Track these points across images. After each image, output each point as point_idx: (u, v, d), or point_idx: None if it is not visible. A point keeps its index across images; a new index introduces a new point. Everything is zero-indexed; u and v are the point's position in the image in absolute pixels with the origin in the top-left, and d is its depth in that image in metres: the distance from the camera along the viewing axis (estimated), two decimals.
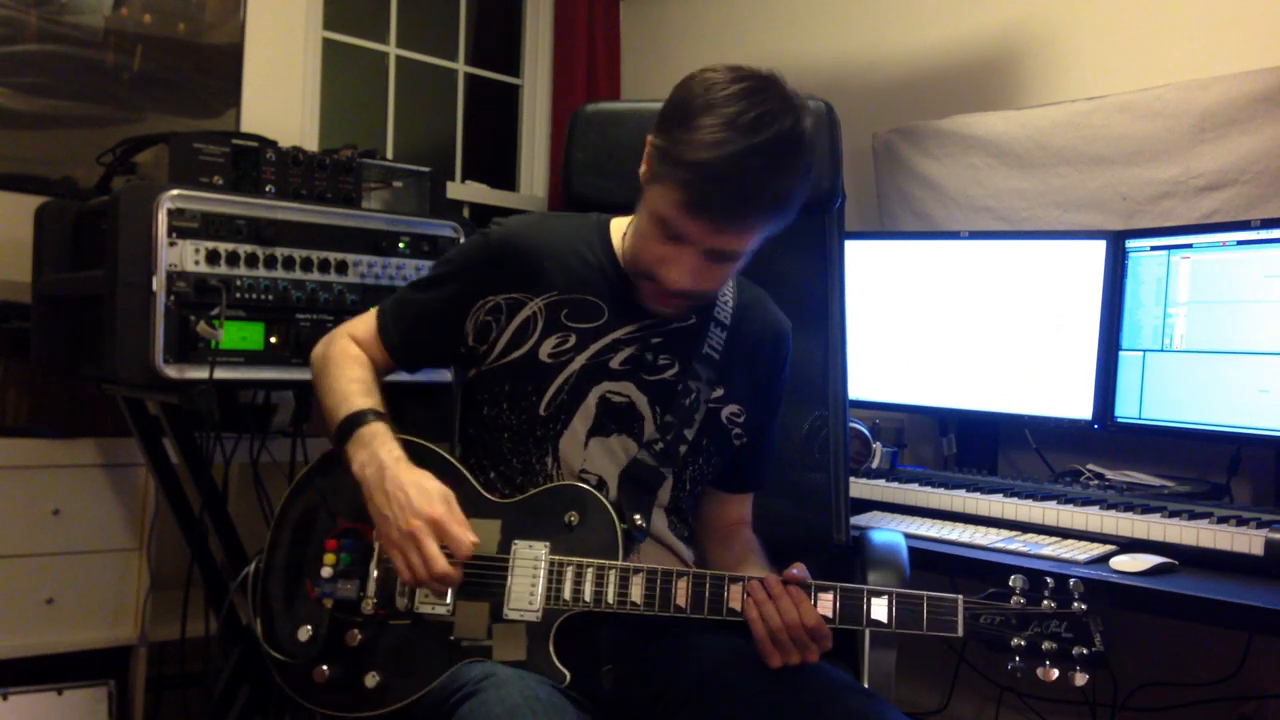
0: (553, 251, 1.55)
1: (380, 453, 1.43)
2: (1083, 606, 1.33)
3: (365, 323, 1.63)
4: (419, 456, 1.48)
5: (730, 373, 1.58)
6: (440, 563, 1.37)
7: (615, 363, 1.52)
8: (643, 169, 1.45)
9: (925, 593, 1.36)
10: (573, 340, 1.52)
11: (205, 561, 2.16)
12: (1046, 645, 1.32)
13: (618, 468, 1.52)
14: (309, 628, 1.46)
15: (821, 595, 1.37)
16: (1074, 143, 2.45)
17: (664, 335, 1.55)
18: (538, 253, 1.55)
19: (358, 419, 1.48)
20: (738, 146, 1.33)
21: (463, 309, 1.55)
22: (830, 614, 1.37)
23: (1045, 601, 1.34)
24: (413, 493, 1.39)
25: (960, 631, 1.34)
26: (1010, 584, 1.35)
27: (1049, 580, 1.36)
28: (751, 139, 1.33)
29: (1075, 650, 1.31)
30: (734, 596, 1.38)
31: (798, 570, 1.39)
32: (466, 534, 1.39)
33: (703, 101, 1.36)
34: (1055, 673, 1.31)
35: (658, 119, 1.43)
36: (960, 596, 1.35)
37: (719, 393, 1.57)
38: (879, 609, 1.36)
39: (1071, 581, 1.35)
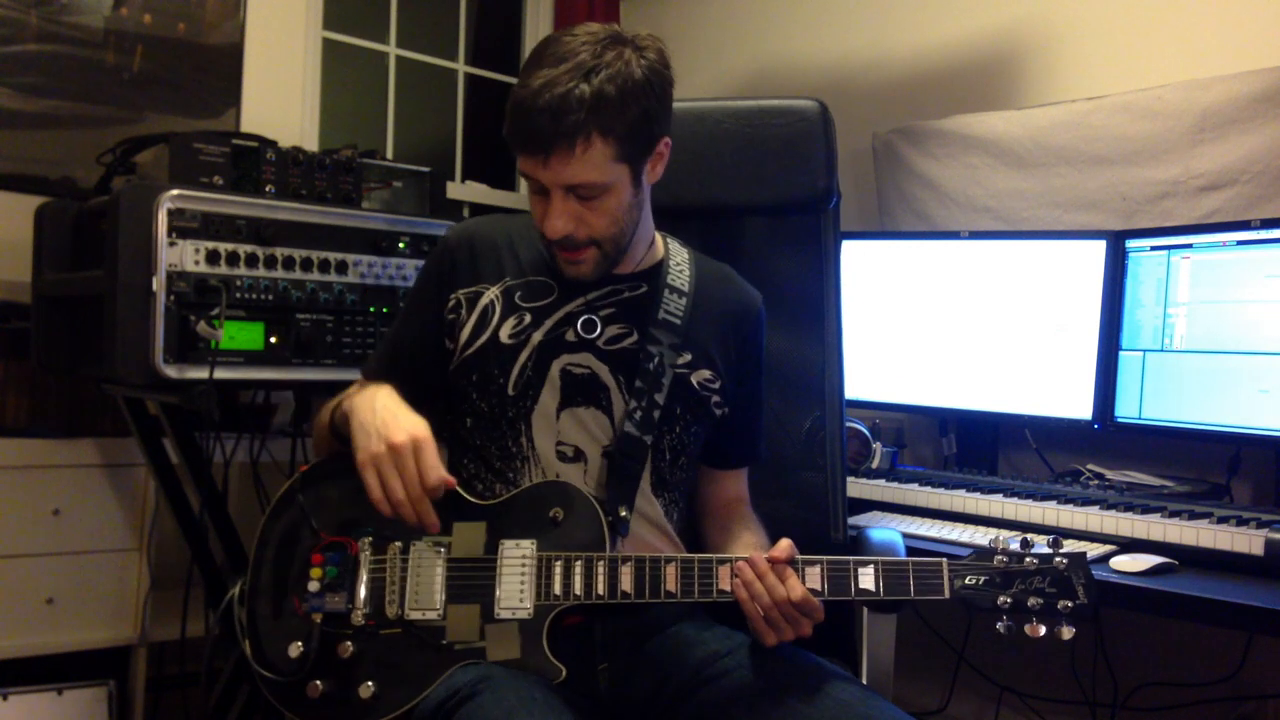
0: (507, 242, 1.62)
1: (379, 391, 1.48)
2: (1064, 560, 1.35)
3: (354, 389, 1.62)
4: None
5: (696, 338, 1.60)
6: (416, 486, 1.38)
7: (570, 335, 1.56)
8: None
9: (910, 559, 1.39)
10: (528, 319, 1.56)
11: (205, 561, 2.16)
12: (1032, 602, 1.34)
13: (594, 442, 1.54)
14: (299, 644, 1.45)
15: (809, 569, 1.39)
16: (1074, 143, 2.45)
17: (615, 305, 1.58)
18: (493, 245, 1.61)
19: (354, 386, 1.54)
20: (543, 77, 1.38)
21: (437, 311, 1.60)
22: (819, 587, 1.38)
23: (1028, 558, 1.36)
24: (400, 413, 1.42)
25: (947, 593, 1.36)
26: (992, 544, 1.38)
27: (1030, 539, 1.38)
28: (556, 67, 1.39)
29: (1060, 604, 1.34)
30: (723, 578, 1.40)
31: (784, 548, 1.40)
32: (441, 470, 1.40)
33: (546, 50, 1.42)
34: (1042, 629, 1.34)
35: None
36: (944, 559, 1.38)
37: (686, 358, 1.59)
38: (866, 578, 1.38)
39: (1052, 538, 1.37)
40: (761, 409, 1.72)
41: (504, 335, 1.55)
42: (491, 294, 1.57)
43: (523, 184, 3.57)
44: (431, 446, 1.40)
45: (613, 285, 1.58)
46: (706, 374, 1.60)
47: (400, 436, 1.38)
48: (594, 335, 1.56)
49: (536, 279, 1.58)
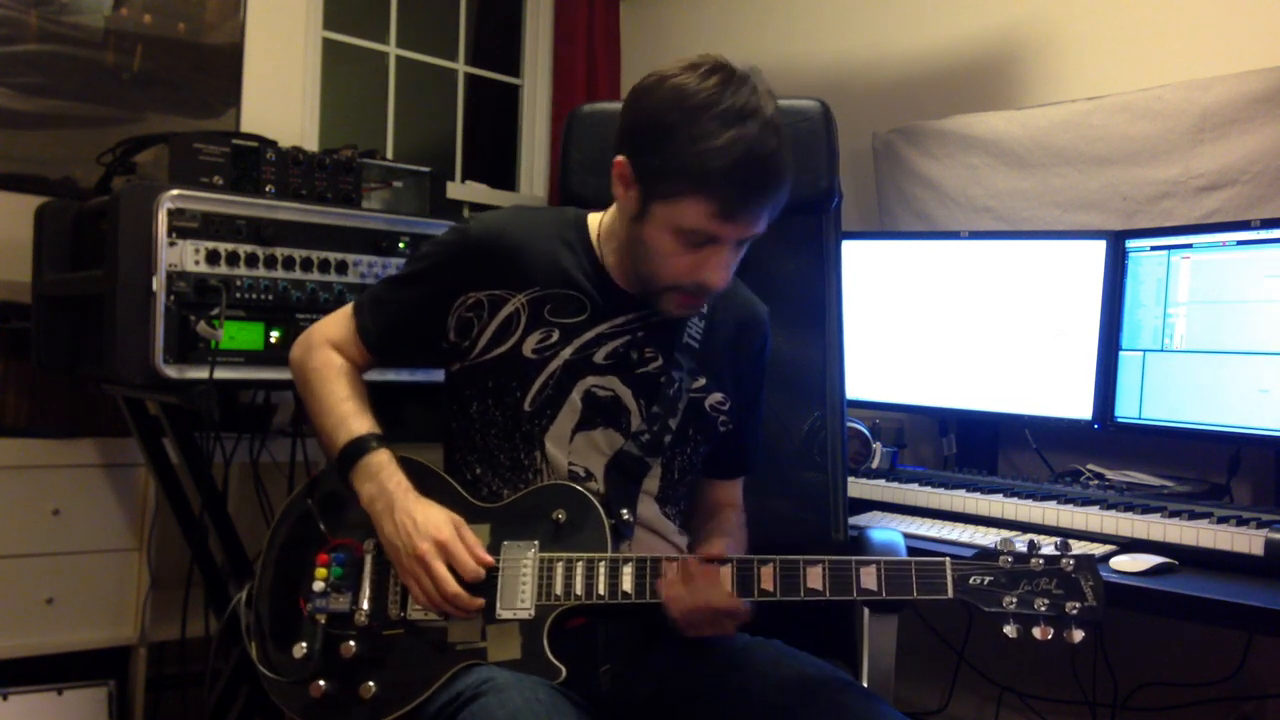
0: (533, 246, 1.55)
1: (388, 485, 1.45)
2: (1071, 562, 1.32)
3: (341, 323, 1.62)
4: (405, 468, 1.49)
5: (712, 361, 1.59)
6: (450, 583, 1.38)
7: (599, 357, 1.53)
8: (622, 190, 1.45)
9: (913, 558, 1.37)
10: (556, 335, 1.52)
11: (205, 561, 2.16)
12: (1039, 603, 1.31)
13: (604, 459, 1.53)
14: (303, 644, 1.46)
15: (810, 569, 1.38)
16: (1074, 143, 2.45)
17: (644, 329, 1.55)
18: (518, 248, 1.54)
19: (359, 447, 1.48)
20: (750, 141, 1.34)
21: (444, 305, 1.54)
22: (820, 586, 1.37)
23: (1033, 559, 1.33)
24: (419, 518, 1.42)
25: (950, 593, 1.33)
26: (999, 545, 1.35)
27: (1037, 540, 1.36)
28: (755, 127, 1.35)
29: (1068, 606, 1.30)
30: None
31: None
32: (475, 553, 1.40)
33: (688, 107, 1.36)
34: (1051, 632, 1.31)
35: (630, 138, 1.43)
36: (948, 558, 1.35)
37: (701, 382, 1.58)
38: (868, 578, 1.36)
39: (1059, 540, 1.35)
40: (760, 421, 1.71)
41: (527, 349, 1.52)
42: (517, 302, 1.52)
43: (522, 184, 3.58)
44: (457, 542, 1.40)
45: (646, 310, 1.55)
46: (718, 396, 1.60)
47: (424, 545, 1.39)
48: (626, 360, 1.54)
49: (567, 293, 1.53)
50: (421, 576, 1.40)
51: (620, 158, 1.44)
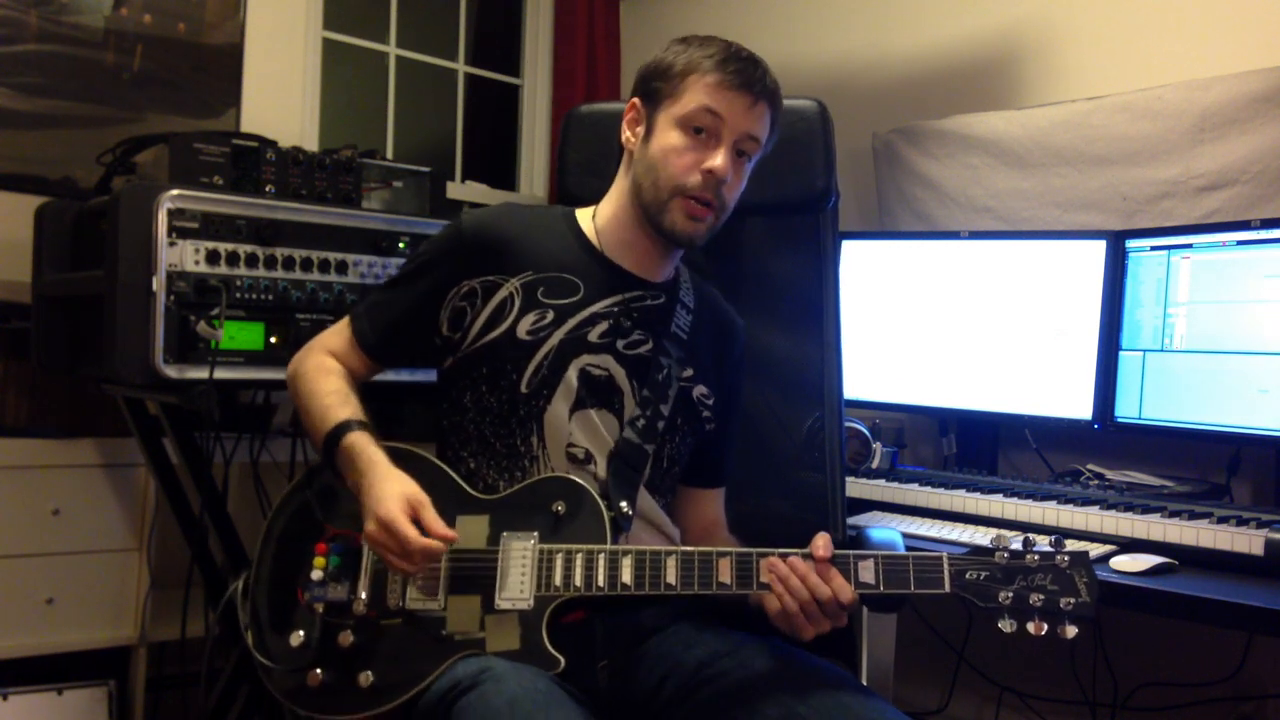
0: (525, 234, 1.59)
1: (359, 463, 1.46)
2: (1066, 558, 1.34)
3: (338, 333, 1.64)
4: (403, 459, 1.49)
5: (698, 355, 1.63)
6: (415, 536, 1.37)
7: (594, 335, 1.55)
8: (632, 129, 1.57)
9: (911, 553, 1.38)
10: (550, 316, 1.54)
11: (205, 561, 2.16)
12: (1034, 599, 1.33)
13: (603, 445, 1.54)
14: (301, 633, 1.47)
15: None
16: (1074, 143, 2.45)
17: (640, 310, 1.58)
18: (511, 236, 1.58)
19: (339, 432, 1.49)
20: (734, 49, 1.56)
21: (438, 298, 1.57)
22: None
23: (1029, 555, 1.35)
24: (377, 492, 1.42)
25: (947, 587, 1.35)
26: (994, 542, 1.37)
27: (1032, 538, 1.37)
28: (741, 51, 1.57)
29: (1063, 602, 1.33)
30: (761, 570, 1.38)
31: (822, 544, 1.38)
32: (434, 528, 1.39)
33: (688, 44, 1.58)
34: (1045, 626, 1.33)
35: (638, 84, 1.59)
36: (945, 553, 1.37)
37: (689, 372, 1.61)
38: (866, 572, 1.37)
39: (1055, 537, 1.37)
40: (736, 430, 1.74)
41: (521, 331, 1.53)
42: (510, 286, 1.55)
43: (522, 184, 3.58)
44: (413, 516, 1.40)
45: (639, 291, 1.59)
46: (704, 389, 1.63)
47: (372, 525, 1.40)
48: (618, 336, 1.56)
49: (561, 275, 1.56)
50: (388, 546, 1.39)
51: (631, 101, 1.60)
